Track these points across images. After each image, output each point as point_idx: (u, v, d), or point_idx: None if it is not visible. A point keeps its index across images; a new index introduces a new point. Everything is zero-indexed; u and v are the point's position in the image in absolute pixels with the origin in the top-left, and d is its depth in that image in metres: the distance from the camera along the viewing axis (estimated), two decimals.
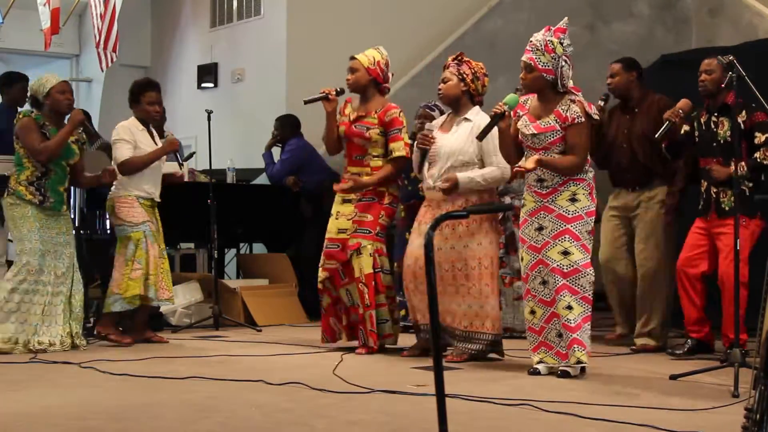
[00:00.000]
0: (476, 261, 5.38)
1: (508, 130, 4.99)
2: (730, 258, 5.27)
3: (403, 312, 6.98)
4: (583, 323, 4.84)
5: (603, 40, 9.33)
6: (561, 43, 4.87)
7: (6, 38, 10.67)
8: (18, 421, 3.80)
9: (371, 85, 5.85)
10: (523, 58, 4.93)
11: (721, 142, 5.50)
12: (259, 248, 9.08)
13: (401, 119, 5.79)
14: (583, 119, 4.86)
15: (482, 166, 5.44)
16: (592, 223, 4.93)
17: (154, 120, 6.52)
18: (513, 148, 5.05)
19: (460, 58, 5.60)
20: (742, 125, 5.38)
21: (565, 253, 4.84)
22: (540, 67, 4.86)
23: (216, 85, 10.18)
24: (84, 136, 6.26)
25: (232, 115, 9.66)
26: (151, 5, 11.29)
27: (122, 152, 6.27)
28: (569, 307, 4.83)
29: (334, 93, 5.87)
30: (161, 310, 7.13)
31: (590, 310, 4.88)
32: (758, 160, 5.36)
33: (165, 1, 11.10)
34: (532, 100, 5.02)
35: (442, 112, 6.24)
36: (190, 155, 9.20)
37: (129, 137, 6.31)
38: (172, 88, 10.88)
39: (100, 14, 9.13)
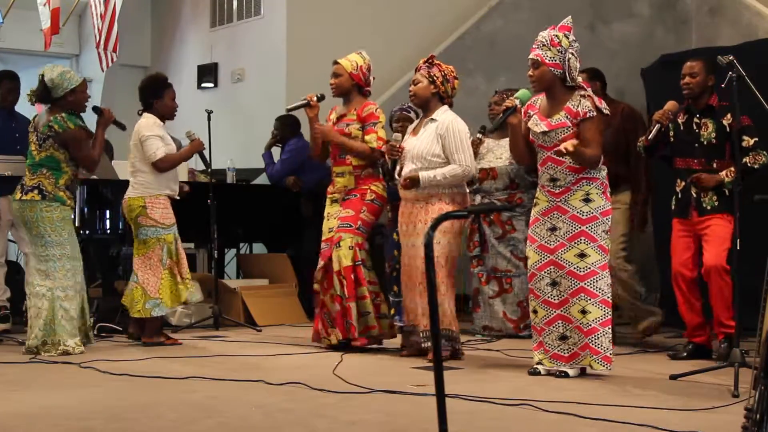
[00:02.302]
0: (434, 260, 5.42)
1: (519, 127, 4.99)
2: (715, 249, 5.35)
3: (392, 311, 7.02)
4: (601, 327, 4.79)
5: (603, 40, 9.33)
6: (566, 37, 4.87)
7: (6, 38, 10.67)
8: (18, 421, 3.80)
9: (354, 89, 6.00)
10: (530, 56, 4.92)
11: (704, 143, 5.51)
12: (259, 248, 9.08)
13: (377, 114, 5.94)
14: (594, 113, 4.84)
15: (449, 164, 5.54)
16: (609, 223, 4.90)
17: (173, 117, 6.50)
18: (524, 146, 5.04)
19: (431, 60, 5.71)
20: (727, 128, 5.40)
21: (582, 255, 4.81)
22: (547, 61, 4.85)
23: (216, 85, 10.18)
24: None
25: (232, 115, 9.65)
26: (151, 5, 11.29)
27: (158, 149, 6.24)
28: (584, 311, 4.80)
29: (315, 99, 6.05)
30: None
31: (610, 313, 4.84)
32: (748, 164, 5.37)
33: (165, 1, 11.10)
34: (542, 99, 5.01)
35: (418, 114, 6.30)
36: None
37: (160, 133, 6.31)
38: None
39: (100, 14, 9.13)
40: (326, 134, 5.96)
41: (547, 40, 4.86)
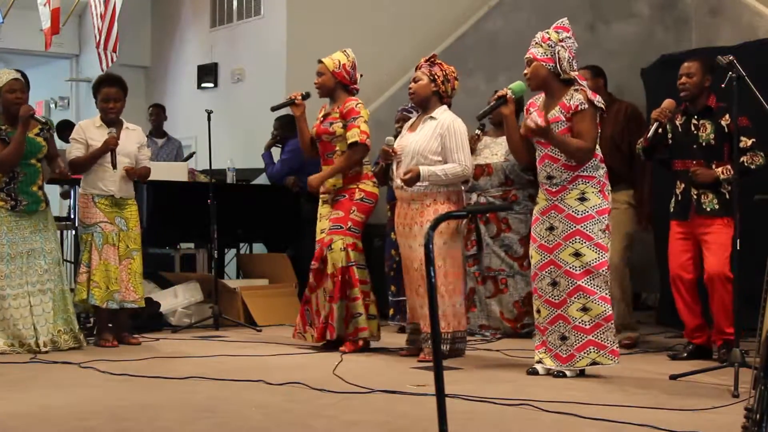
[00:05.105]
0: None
1: (512, 117, 5.04)
2: (717, 256, 5.32)
3: (392, 311, 7.06)
4: (605, 322, 4.81)
5: (603, 40, 9.33)
6: (557, 33, 4.91)
7: (6, 38, 10.68)
8: (18, 421, 3.80)
9: (338, 87, 6.01)
10: (525, 56, 4.97)
11: (703, 144, 5.49)
12: (259, 248, 9.08)
13: (358, 109, 5.91)
14: (586, 106, 4.85)
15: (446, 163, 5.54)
16: (606, 221, 4.89)
17: (109, 117, 6.29)
18: (520, 141, 5.06)
19: (432, 59, 5.73)
20: (726, 128, 5.40)
21: (577, 254, 4.82)
22: (538, 57, 4.91)
23: (216, 85, 10.19)
24: (50, 122, 6.14)
25: (232, 115, 9.66)
26: (151, 5, 11.29)
27: (70, 152, 6.26)
28: (584, 309, 4.81)
29: (301, 97, 6.11)
30: (161, 310, 7.13)
31: (610, 309, 4.85)
32: (745, 164, 5.36)
33: (165, 1, 11.11)
34: (542, 97, 5.04)
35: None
36: (190, 155, 9.22)
37: (80, 137, 6.26)
38: (172, 88, 10.88)
39: (100, 14, 9.15)
40: (315, 181, 5.98)
41: (538, 38, 4.96)
